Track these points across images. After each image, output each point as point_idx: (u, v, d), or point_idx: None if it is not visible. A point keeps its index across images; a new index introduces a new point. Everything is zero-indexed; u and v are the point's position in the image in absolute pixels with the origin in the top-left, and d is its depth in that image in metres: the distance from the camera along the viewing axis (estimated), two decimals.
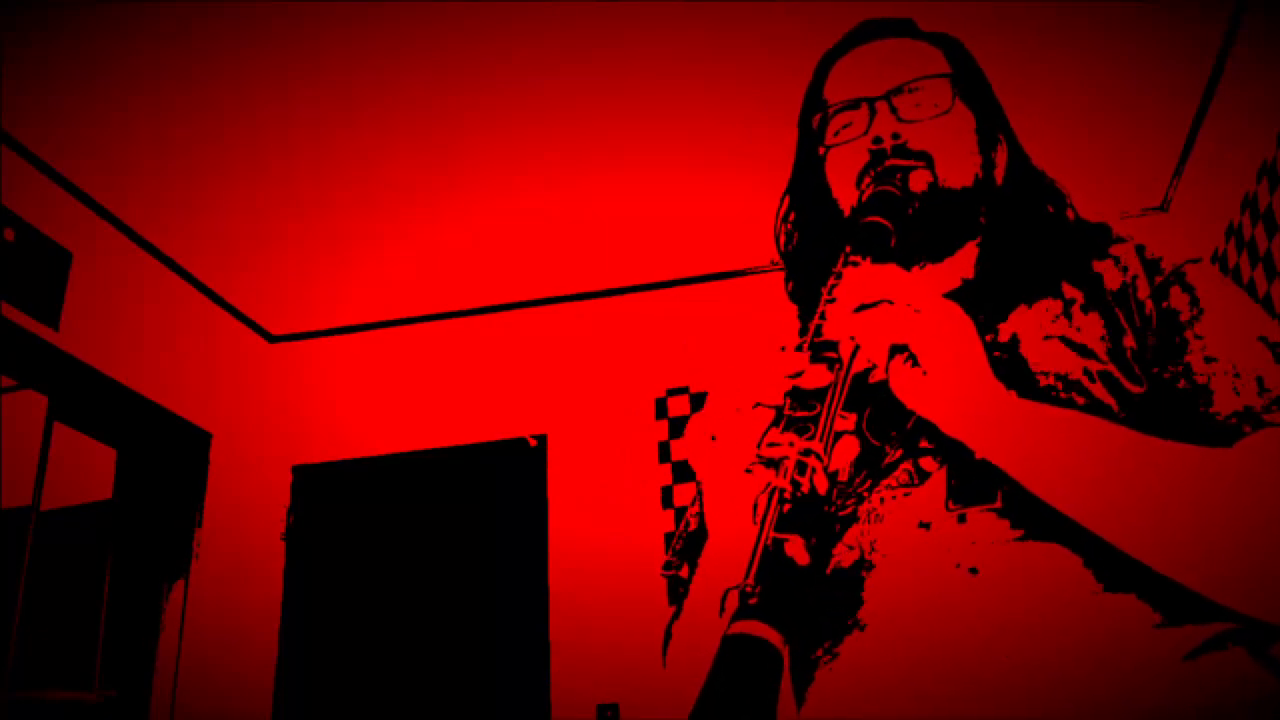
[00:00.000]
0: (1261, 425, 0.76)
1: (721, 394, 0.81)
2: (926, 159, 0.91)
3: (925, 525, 0.80)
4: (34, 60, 2.56)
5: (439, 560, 3.66)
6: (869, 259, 0.83)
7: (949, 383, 0.75)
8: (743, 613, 0.61)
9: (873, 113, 0.93)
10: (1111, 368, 0.83)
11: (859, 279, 0.79)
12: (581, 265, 3.70)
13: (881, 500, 0.84)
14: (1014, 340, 0.86)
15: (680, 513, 3.52)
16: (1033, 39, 2.66)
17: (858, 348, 0.76)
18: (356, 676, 3.59)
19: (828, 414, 0.72)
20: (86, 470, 3.32)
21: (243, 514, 3.68)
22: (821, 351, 0.76)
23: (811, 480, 0.69)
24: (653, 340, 3.76)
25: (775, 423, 0.74)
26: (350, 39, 2.58)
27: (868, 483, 0.85)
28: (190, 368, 3.54)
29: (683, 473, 3.58)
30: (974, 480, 0.79)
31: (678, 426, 3.64)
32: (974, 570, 0.76)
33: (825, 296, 0.80)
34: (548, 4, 2.51)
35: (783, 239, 1.05)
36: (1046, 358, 0.84)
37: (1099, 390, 0.81)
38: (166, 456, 3.47)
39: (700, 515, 0.80)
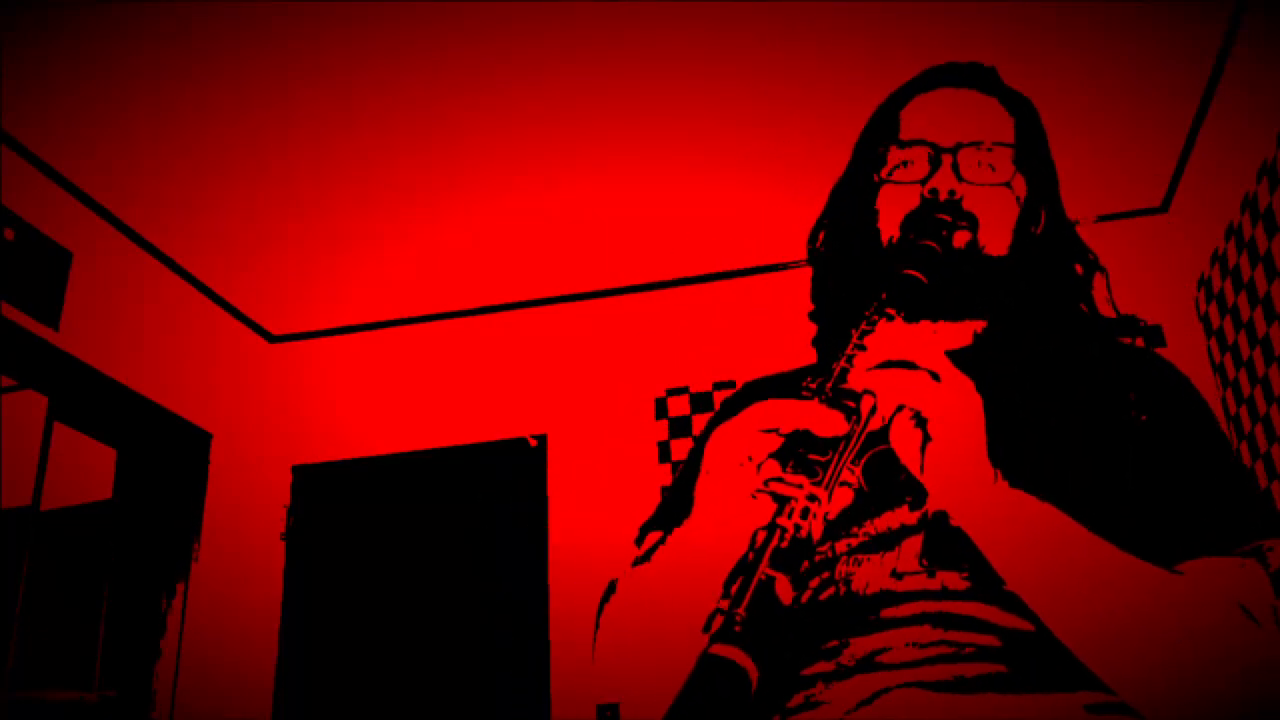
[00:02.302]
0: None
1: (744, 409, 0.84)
2: (972, 221, 0.93)
3: (898, 575, 0.84)
4: (34, 60, 2.56)
5: (439, 560, 3.66)
6: (902, 314, 0.85)
7: (946, 456, 0.78)
8: (724, 637, 0.63)
9: (937, 163, 0.95)
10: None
11: (890, 334, 0.82)
12: (581, 265, 3.70)
13: (855, 545, 0.88)
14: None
15: None
16: (1033, 39, 2.66)
17: (875, 407, 0.78)
18: (356, 676, 3.59)
19: (837, 464, 0.75)
20: (86, 470, 3.32)
21: (243, 514, 3.68)
22: (841, 400, 0.78)
23: (810, 526, 0.71)
24: (653, 340, 3.75)
25: (780, 454, 0.76)
26: (350, 39, 2.58)
27: (854, 527, 0.88)
28: (190, 368, 3.54)
29: None
30: (946, 545, 0.84)
31: (678, 426, 3.64)
32: (939, 621, 0.81)
33: (855, 341, 0.83)
34: (547, 4, 2.51)
35: (818, 260, 1.08)
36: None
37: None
38: (166, 456, 3.47)
39: (690, 489, 0.83)
